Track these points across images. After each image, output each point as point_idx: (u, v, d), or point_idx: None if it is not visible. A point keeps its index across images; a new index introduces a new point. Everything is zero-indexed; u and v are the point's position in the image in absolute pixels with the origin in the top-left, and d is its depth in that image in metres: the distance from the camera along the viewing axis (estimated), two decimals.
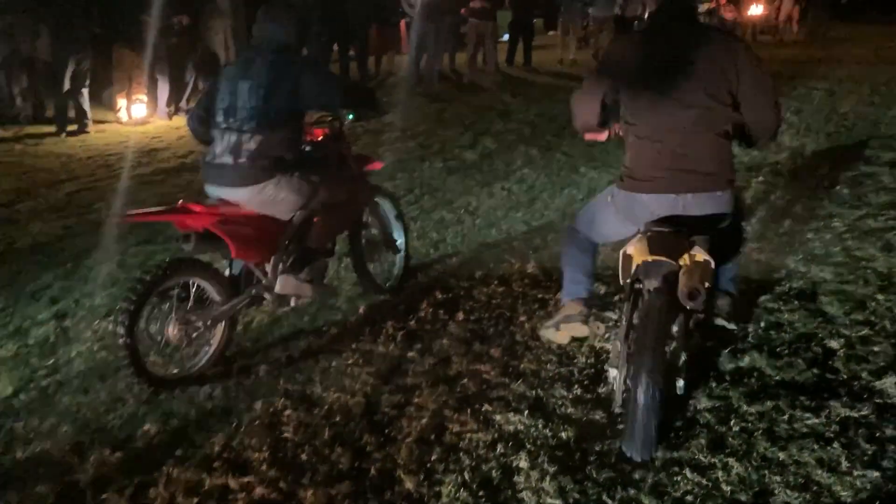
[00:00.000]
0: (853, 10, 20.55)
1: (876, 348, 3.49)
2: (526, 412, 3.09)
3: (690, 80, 2.93)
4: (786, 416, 2.99)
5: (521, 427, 3.01)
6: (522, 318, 3.92)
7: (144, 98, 9.37)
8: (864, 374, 3.28)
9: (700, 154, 2.97)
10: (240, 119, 3.41)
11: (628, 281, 2.96)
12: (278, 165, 3.44)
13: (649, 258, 2.82)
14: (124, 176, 6.99)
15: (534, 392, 3.25)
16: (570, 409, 3.12)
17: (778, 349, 3.51)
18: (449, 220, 5.53)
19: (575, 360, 3.50)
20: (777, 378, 3.28)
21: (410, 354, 3.60)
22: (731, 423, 2.98)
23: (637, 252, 2.86)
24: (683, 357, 3.01)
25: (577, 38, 14.84)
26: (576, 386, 3.28)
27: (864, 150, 6.97)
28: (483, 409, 3.13)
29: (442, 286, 4.34)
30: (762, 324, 3.76)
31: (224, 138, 3.45)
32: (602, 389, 3.25)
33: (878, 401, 3.09)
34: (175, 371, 3.43)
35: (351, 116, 3.91)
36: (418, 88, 11.46)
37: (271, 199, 3.47)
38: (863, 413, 3.00)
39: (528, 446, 2.89)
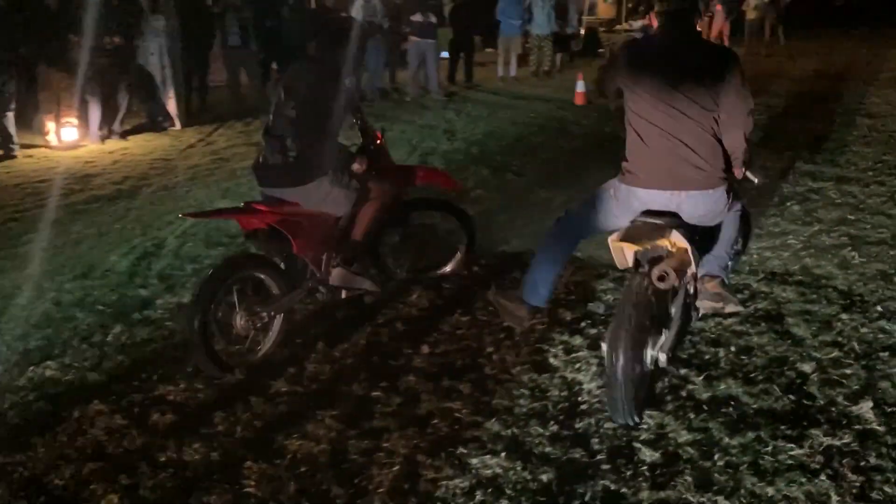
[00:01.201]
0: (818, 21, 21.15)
1: (848, 371, 3.46)
2: (503, 454, 2.94)
3: (682, 88, 3.13)
4: (769, 448, 2.92)
5: (499, 470, 2.86)
6: (490, 349, 3.78)
7: (75, 121, 8.95)
8: (840, 399, 3.24)
9: (693, 154, 3.16)
10: (286, 124, 3.73)
11: (630, 267, 3.24)
12: (326, 165, 3.76)
13: (641, 247, 3.12)
14: (55, 204, 6.60)
15: (509, 431, 3.10)
16: (548, 448, 2.99)
17: (752, 375, 3.45)
18: (401, 246, 5.35)
19: (548, 394, 3.37)
20: (755, 406, 3.21)
21: (376, 394, 3.41)
22: (715, 457, 2.88)
23: (622, 239, 3.13)
24: (665, 335, 3.24)
25: (516, 56, 14.87)
26: (552, 422, 3.15)
27: (809, 165, 7.07)
28: (458, 452, 2.96)
29: (403, 318, 4.16)
30: (733, 348, 3.71)
31: (274, 143, 3.76)
32: (579, 424, 3.13)
33: (857, 427, 3.04)
34: (240, 359, 3.65)
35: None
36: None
37: (324, 196, 3.81)
38: (845, 441, 2.95)
39: (509, 491, 2.75)
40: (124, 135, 9.43)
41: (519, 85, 13.62)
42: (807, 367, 3.50)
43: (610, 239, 3.21)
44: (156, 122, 10.01)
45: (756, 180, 3.40)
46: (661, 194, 3.21)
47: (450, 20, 12.43)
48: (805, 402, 3.24)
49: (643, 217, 3.21)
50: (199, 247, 5.40)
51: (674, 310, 3.39)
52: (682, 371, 3.49)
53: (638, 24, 21.08)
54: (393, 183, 4.24)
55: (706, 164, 3.18)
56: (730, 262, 3.60)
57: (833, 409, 3.17)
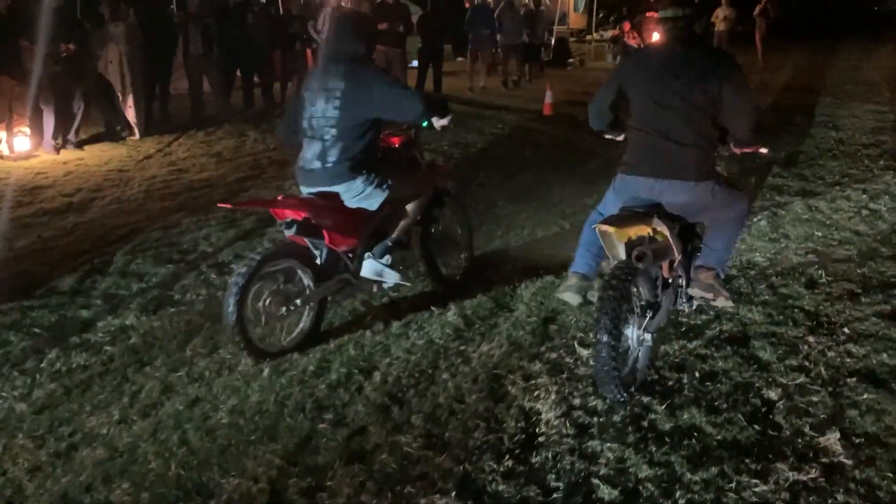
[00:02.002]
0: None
1: (815, 398, 3.33)
2: (453, 493, 2.77)
3: (674, 88, 3.48)
4: (732, 485, 2.77)
5: None
6: (445, 377, 3.60)
7: (28, 130, 8.65)
8: (806, 430, 3.11)
9: (678, 147, 3.48)
10: (323, 127, 3.84)
11: (619, 253, 3.45)
12: (363, 165, 3.89)
13: (625, 232, 3.38)
14: (1, 217, 6.34)
15: (461, 467, 2.92)
16: (501, 486, 2.81)
17: (716, 403, 3.31)
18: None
19: (504, 425, 3.20)
20: (718, 437, 3.07)
21: (322, 426, 3.22)
22: (677, 495, 2.73)
23: (609, 227, 3.38)
24: (650, 317, 3.46)
25: (486, 66, 14.79)
26: (506, 457, 2.98)
27: (777, 178, 7.00)
28: (405, 492, 2.78)
29: (355, 342, 3.97)
30: (697, 374, 3.57)
31: (312, 146, 3.90)
32: (535, 459, 2.96)
33: (824, 460, 2.91)
34: (274, 346, 3.80)
35: (425, 124, 4.23)
36: None
37: (358, 194, 3.92)
38: (811, 476, 2.82)
39: None
40: (80, 144, 9.14)
41: (488, 95, 13.52)
42: (773, 394, 3.37)
43: (596, 225, 3.45)
44: (114, 131, 9.74)
45: (765, 151, 3.84)
46: (645, 181, 3.55)
47: (418, 29, 12.27)
48: (771, 432, 3.10)
49: (629, 205, 3.51)
50: (149, 264, 5.18)
51: (659, 293, 3.56)
52: (645, 399, 3.35)
53: (608, 34, 21.17)
54: (424, 181, 4.43)
55: (690, 157, 3.49)
56: (727, 258, 3.94)
57: (799, 440, 3.04)
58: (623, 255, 3.41)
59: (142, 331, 4.15)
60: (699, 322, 4.11)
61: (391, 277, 4.20)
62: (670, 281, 3.66)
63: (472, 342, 3.94)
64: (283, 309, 3.70)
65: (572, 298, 3.92)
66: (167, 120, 10.73)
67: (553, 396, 3.38)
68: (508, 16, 14.62)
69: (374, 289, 4.24)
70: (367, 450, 3.04)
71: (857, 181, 6.91)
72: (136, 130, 9.71)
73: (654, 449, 3.00)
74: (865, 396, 3.33)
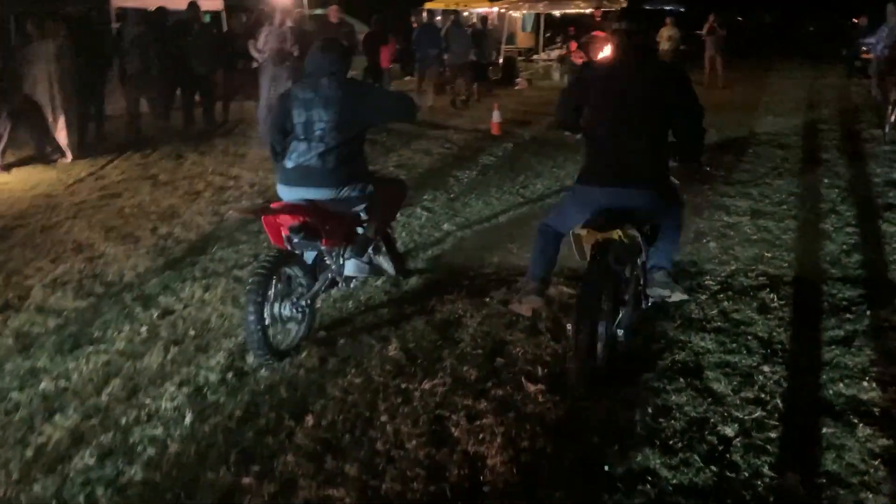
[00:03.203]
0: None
1: (772, 434, 3.18)
2: None
3: (629, 101, 3.65)
4: None
5: None
6: (384, 419, 3.35)
7: None
8: (765, 470, 2.94)
9: (631, 158, 3.65)
10: (319, 132, 4.03)
11: (588, 256, 3.68)
12: (354, 169, 4.16)
13: (595, 237, 3.62)
14: None
15: None
16: None
17: (671, 442, 3.13)
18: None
19: (447, 473, 2.96)
20: (674, 482, 2.88)
21: (246, 480, 2.93)
22: None
23: (582, 231, 3.68)
24: (621, 314, 3.71)
25: (434, 85, 14.64)
26: None
27: (724, 198, 6.93)
28: None
29: (287, 381, 3.70)
30: (650, 409, 3.38)
31: (305, 148, 4.06)
32: None
33: None
34: (283, 345, 3.99)
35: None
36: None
37: (346, 197, 4.15)
38: None
39: None
40: (6, 167, 8.70)
41: (436, 114, 13.34)
42: (729, 430, 3.20)
43: (571, 231, 3.77)
44: (44, 153, 9.29)
45: (708, 168, 4.23)
46: (602, 190, 3.70)
47: (363, 48, 12.04)
48: (728, 473, 2.92)
49: (599, 213, 3.63)
50: (69, 298, 4.84)
51: (627, 293, 3.79)
52: (596, 440, 3.15)
53: (555, 54, 21.25)
54: (398, 186, 4.85)
55: (644, 166, 3.67)
56: (674, 254, 4.17)
57: (759, 482, 2.87)
58: (588, 257, 3.66)
59: (54, 373, 3.82)
60: (650, 351, 3.94)
61: (369, 272, 4.53)
62: (636, 281, 3.88)
63: (414, 378, 3.70)
64: (292, 310, 3.99)
65: (535, 302, 3.97)
66: (102, 141, 10.31)
67: (499, 439, 3.16)
68: (456, 35, 14.50)
69: (352, 284, 4.53)
70: None
71: (803, 200, 6.87)
72: (68, 153, 9.27)
73: (605, 498, 2.79)
74: (825, 431, 3.18)
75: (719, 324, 4.25)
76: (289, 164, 4.13)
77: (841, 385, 3.55)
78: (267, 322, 3.81)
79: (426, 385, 3.62)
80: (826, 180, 7.64)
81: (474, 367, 3.81)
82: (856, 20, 27.60)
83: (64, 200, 7.42)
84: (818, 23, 42.16)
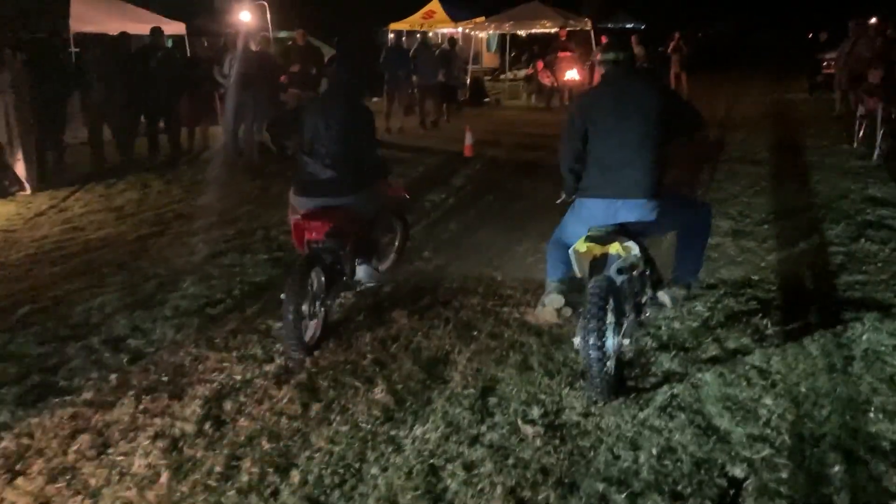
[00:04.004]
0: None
1: (783, 474, 3.04)
2: None
3: (627, 116, 3.92)
4: None
5: None
6: (374, 471, 3.15)
7: None
8: None
9: (631, 172, 3.87)
10: (331, 145, 4.55)
11: (587, 271, 3.87)
12: (366, 179, 4.68)
13: (594, 252, 3.79)
14: None
15: None
16: None
17: (679, 487, 2.98)
18: (276, 329, 4.69)
19: None
20: None
21: None
22: None
23: (582, 247, 3.78)
24: (626, 324, 3.80)
25: (403, 106, 14.52)
26: None
27: None
28: None
29: (269, 431, 3.47)
30: (654, 450, 3.23)
31: (321, 160, 4.56)
32: None
33: None
34: (308, 340, 4.27)
35: None
36: (238, 163, 10.53)
37: (361, 204, 4.62)
38: None
39: None
40: None
41: (406, 136, 13.22)
42: (738, 471, 3.06)
43: (571, 248, 3.86)
44: (2, 186, 8.94)
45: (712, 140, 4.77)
46: (603, 202, 3.90)
47: (325, 72, 11.83)
48: None
49: (597, 227, 3.81)
50: (32, 343, 4.57)
51: (630, 304, 3.90)
52: (600, 486, 2.98)
53: (522, 73, 21.30)
54: (398, 193, 5.35)
55: (640, 179, 3.87)
56: (698, 265, 4.45)
57: None
58: (587, 271, 3.84)
59: (16, 430, 3.56)
60: (647, 386, 3.80)
61: (378, 278, 4.97)
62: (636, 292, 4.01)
63: (404, 424, 3.51)
64: (318, 309, 4.35)
65: (558, 301, 4.16)
66: (63, 172, 9.97)
67: (499, 490, 2.98)
68: (424, 56, 14.42)
69: (358, 287, 4.90)
70: None
71: (782, 219, 6.83)
72: (27, 185, 8.95)
73: None
74: (836, 469, 3.05)
75: (715, 353, 4.13)
76: (306, 176, 4.64)
77: (846, 417, 3.43)
78: (302, 317, 4.16)
79: (417, 431, 3.43)
80: (804, 198, 7.62)
81: (467, 409, 3.62)
82: (811, 35, 28.15)
83: (24, 236, 7.12)
84: (776, 36, 43.00)
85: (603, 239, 3.74)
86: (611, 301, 3.61)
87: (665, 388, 3.76)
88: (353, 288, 4.85)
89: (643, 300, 4.07)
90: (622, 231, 3.77)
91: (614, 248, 3.72)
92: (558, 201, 4.30)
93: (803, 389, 3.70)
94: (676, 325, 4.51)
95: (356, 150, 4.61)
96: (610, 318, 3.62)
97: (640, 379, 3.87)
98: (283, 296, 4.11)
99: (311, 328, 4.33)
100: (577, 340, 3.60)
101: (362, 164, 4.66)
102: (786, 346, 4.18)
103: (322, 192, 4.54)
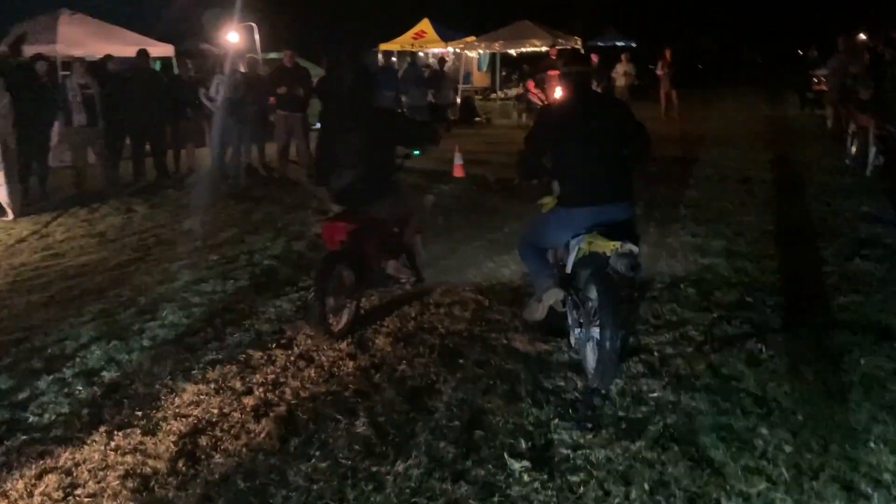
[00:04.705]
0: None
1: None
2: None
3: (595, 127, 4.22)
4: None
5: None
6: None
7: None
8: None
9: (607, 178, 4.18)
10: (356, 155, 4.86)
11: (572, 268, 4.23)
12: (388, 185, 5.01)
13: (597, 250, 4.03)
14: None
15: None
16: None
17: None
18: (256, 360, 4.54)
19: None
20: None
21: None
22: None
23: (587, 246, 4.07)
24: (621, 314, 4.14)
25: None
26: None
27: (697, 238, 6.75)
28: None
29: (245, 470, 3.32)
30: (646, 485, 3.09)
31: (348, 169, 4.88)
32: None
33: None
34: (336, 328, 4.71)
35: (417, 152, 5.32)
36: (223, 186, 10.40)
37: (387, 207, 4.95)
38: None
39: None
40: None
41: None
42: None
43: (573, 245, 4.18)
44: None
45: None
46: (589, 208, 4.12)
47: (316, 93, 11.74)
48: None
49: (596, 230, 4.05)
50: (1, 376, 4.40)
51: (624, 296, 4.51)
52: None
53: (512, 92, 21.29)
54: (422, 197, 6.04)
55: (621, 181, 4.21)
56: None
57: None
58: (582, 268, 4.14)
59: None
60: (639, 416, 3.66)
61: (406, 274, 5.29)
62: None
63: (386, 460, 3.36)
64: (343, 301, 4.76)
65: (556, 293, 4.34)
66: (46, 197, 9.84)
67: None
68: (412, 77, 14.37)
69: (391, 284, 5.31)
70: None
71: (776, 237, 6.73)
72: (10, 211, 8.80)
73: None
74: None
75: (709, 380, 4.00)
76: (334, 185, 5.02)
77: (846, 447, 3.30)
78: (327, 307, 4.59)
79: (399, 467, 3.28)
80: (797, 216, 7.54)
81: (451, 442, 3.48)
82: (801, 52, 28.29)
83: (3, 263, 6.97)
84: (764, 52, 43.23)
85: (606, 238, 3.99)
86: (607, 293, 3.88)
87: (657, 417, 3.63)
88: (386, 284, 5.27)
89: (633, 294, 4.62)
90: (621, 231, 4.02)
91: (613, 246, 3.95)
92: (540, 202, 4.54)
93: (800, 418, 3.57)
94: (669, 350, 4.39)
95: (379, 154, 4.92)
96: (606, 308, 3.86)
97: (632, 408, 3.73)
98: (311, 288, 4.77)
99: (342, 317, 4.76)
100: (596, 330, 3.89)
101: (386, 168, 5.02)
102: (781, 372, 4.06)
103: (348, 196, 4.89)
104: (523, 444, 3.44)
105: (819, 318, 4.83)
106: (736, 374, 4.06)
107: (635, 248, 4.00)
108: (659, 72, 17.97)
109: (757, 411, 3.65)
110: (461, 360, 4.36)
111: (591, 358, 3.99)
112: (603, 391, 3.86)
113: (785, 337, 4.52)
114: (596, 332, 3.90)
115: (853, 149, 10.13)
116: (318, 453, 3.43)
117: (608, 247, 3.97)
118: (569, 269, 4.26)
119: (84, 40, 13.60)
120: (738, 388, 3.89)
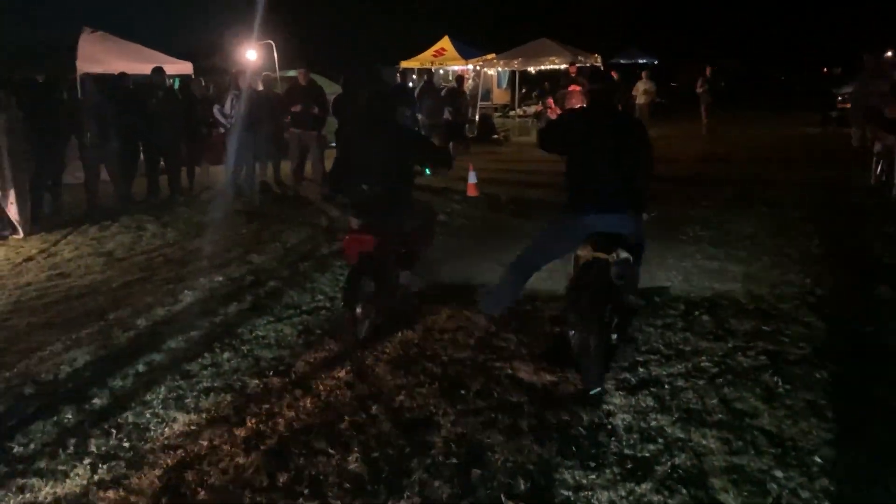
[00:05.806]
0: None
1: None
2: None
3: (603, 145, 4.41)
4: None
5: None
6: None
7: None
8: None
9: (609, 188, 4.36)
10: (377, 171, 5.10)
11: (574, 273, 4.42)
12: (405, 199, 5.27)
13: (592, 255, 4.21)
14: None
15: None
16: None
17: None
18: (252, 388, 4.40)
19: None
20: None
21: None
22: None
23: (584, 252, 4.28)
24: (615, 320, 4.42)
25: None
26: None
27: (714, 262, 6.54)
28: None
29: None
30: None
31: (367, 182, 5.13)
32: None
33: None
34: (360, 336, 4.92)
35: (428, 172, 5.60)
36: (237, 204, 10.33)
37: (405, 220, 5.25)
38: None
39: None
40: None
41: None
42: None
43: (574, 253, 4.41)
44: None
45: (646, 216, 4.66)
46: (589, 217, 4.34)
47: (333, 111, 11.68)
48: None
49: (593, 238, 4.25)
50: None
51: (618, 303, 4.41)
52: None
53: (531, 109, 21.16)
54: (432, 209, 6.33)
55: (625, 194, 4.37)
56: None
57: None
58: (581, 273, 4.26)
59: None
60: (646, 454, 3.47)
61: (418, 282, 5.72)
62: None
63: (377, 499, 3.20)
64: (367, 309, 4.94)
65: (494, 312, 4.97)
66: (59, 214, 9.82)
67: None
68: (429, 95, 14.28)
69: (403, 292, 5.56)
70: None
71: (795, 262, 6.49)
72: (20, 229, 8.77)
73: None
74: None
75: (721, 416, 3.79)
76: (355, 198, 5.26)
77: (867, 492, 3.09)
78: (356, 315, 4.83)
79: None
80: (818, 239, 7.29)
81: (446, 481, 3.31)
82: (826, 70, 27.95)
83: (9, 282, 6.90)
84: (788, 70, 42.75)
85: (605, 245, 4.19)
86: (604, 298, 4.15)
87: (665, 457, 3.44)
88: (396, 294, 5.44)
89: (627, 303, 4.63)
90: (620, 240, 4.22)
91: (612, 256, 4.15)
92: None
93: (818, 459, 3.36)
94: (681, 382, 4.19)
95: (397, 169, 5.15)
96: (606, 314, 4.19)
97: (639, 446, 3.54)
98: (340, 295, 5.12)
99: (366, 325, 4.97)
100: (573, 332, 4.06)
101: (404, 183, 5.25)
102: (799, 408, 3.84)
103: (369, 210, 5.11)
104: (522, 485, 3.26)
105: (840, 348, 4.61)
106: (750, 409, 3.85)
107: (630, 257, 4.19)
108: (699, 89, 17.92)
109: (771, 451, 3.44)
110: (462, 391, 4.19)
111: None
112: (609, 426, 3.68)
113: (803, 369, 4.30)
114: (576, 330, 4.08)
115: (878, 169, 9.86)
116: (306, 491, 3.28)
117: (600, 255, 4.17)
118: (570, 272, 4.52)
119: (105, 58, 13.65)
120: (751, 426, 3.68)
